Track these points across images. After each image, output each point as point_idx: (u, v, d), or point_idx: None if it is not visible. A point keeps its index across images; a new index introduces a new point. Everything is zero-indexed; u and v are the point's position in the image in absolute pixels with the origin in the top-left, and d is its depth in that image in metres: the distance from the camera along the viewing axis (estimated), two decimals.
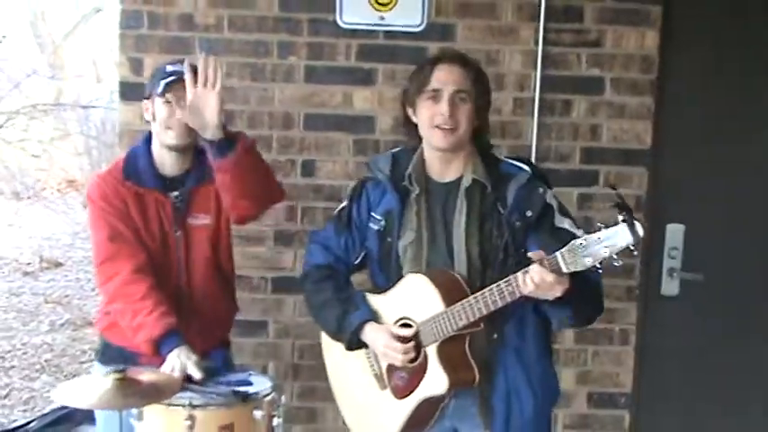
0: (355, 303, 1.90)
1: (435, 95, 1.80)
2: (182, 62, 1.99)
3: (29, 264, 6.61)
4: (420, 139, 1.88)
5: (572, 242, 1.55)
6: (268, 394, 1.81)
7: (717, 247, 2.79)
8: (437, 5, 2.64)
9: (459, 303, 1.71)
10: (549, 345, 1.94)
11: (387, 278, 1.90)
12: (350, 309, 1.89)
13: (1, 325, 5.13)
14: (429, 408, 1.84)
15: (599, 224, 1.54)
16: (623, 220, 1.49)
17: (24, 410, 3.80)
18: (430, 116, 1.81)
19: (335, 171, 2.70)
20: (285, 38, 2.64)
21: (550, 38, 2.66)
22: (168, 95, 1.98)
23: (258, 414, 1.76)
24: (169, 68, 2.01)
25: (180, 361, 1.85)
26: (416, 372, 1.81)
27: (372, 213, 1.93)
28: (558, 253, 1.56)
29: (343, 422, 2.80)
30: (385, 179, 1.90)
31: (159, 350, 1.90)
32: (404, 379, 1.85)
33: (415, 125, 1.87)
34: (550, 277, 1.58)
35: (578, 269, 1.55)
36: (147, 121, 2.08)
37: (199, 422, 1.69)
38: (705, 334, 2.84)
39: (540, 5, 2.63)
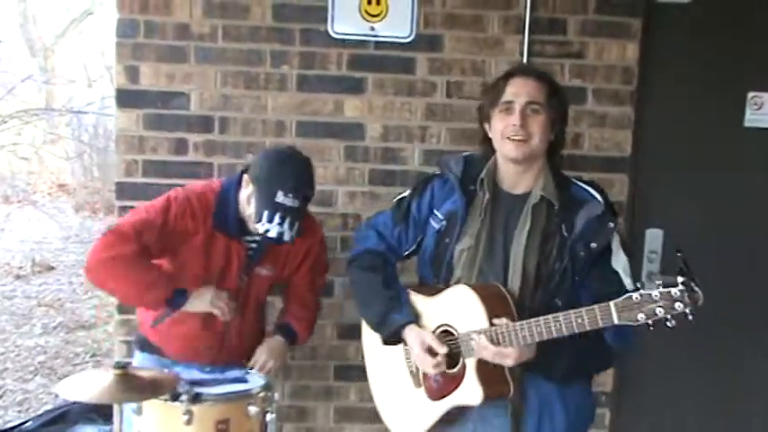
0: (400, 303, 1.90)
1: (508, 108, 1.80)
2: (294, 187, 2.03)
3: (21, 267, 6.62)
4: (494, 152, 1.88)
5: (628, 295, 1.54)
6: (262, 391, 1.89)
7: (694, 250, 2.84)
8: (425, 17, 2.71)
9: (504, 325, 1.70)
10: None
11: (435, 275, 1.89)
12: (395, 307, 1.89)
13: None
14: (459, 412, 1.86)
15: (658, 281, 1.54)
16: (683, 283, 1.50)
17: (19, 411, 3.83)
18: (502, 128, 1.81)
19: (326, 176, 2.76)
20: (278, 47, 2.70)
21: (535, 49, 2.73)
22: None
23: (252, 410, 1.84)
24: (279, 198, 2.00)
25: (213, 296, 2.02)
26: (453, 379, 1.82)
27: (435, 211, 1.92)
28: (612, 303, 1.56)
29: (334, 421, 2.90)
30: (455, 179, 1.88)
31: (174, 304, 2.02)
32: (439, 383, 1.86)
33: (491, 140, 1.87)
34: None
35: (629, 323, 1.55)
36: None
37: (196, 417, 1.76)
38: (684, 335, 2.91)
39: (524, 18, 2.71)
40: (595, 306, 1.58)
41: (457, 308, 1.80)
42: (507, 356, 1.68)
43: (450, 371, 1.82)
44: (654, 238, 2.88)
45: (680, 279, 1.51)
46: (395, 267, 2.04)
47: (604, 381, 2.91)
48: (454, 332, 1.82)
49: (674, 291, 1.52)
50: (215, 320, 2.13)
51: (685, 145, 2.86)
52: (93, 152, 9.49)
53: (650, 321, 1.53)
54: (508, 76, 1.86)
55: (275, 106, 2.73)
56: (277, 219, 1.99)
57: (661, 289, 1.52)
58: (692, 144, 2.86)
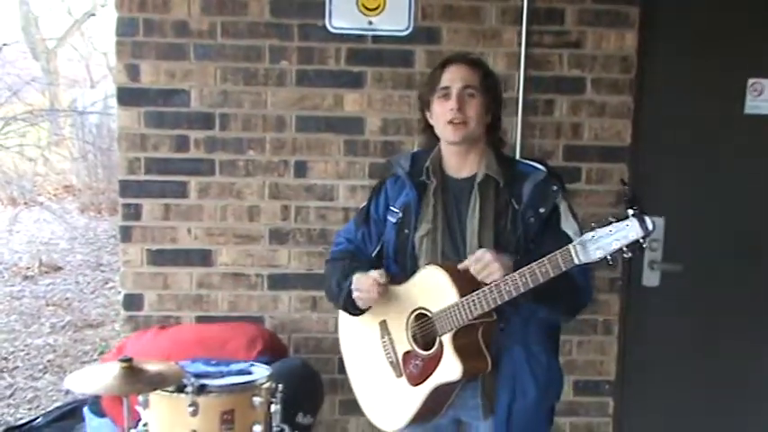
0: (357, 269, 1.95)
1: (446, 93, 1.88)
2: None
3: (29, 268, 6.66)
4: (438, 140, 1.95)
5: (584, 235, 1.61)
6: (266, 382, 1.91)
7: (695, 238, 2.88)
8: (423, 10, 2.72)
9: (473, 294, 1.75)
10: (556, 341, 1.99)
11: (402, 268, 1.95)
12: (351, 273, 1.94)
13: (3, 327, 5.19)
14: (441, 395, 1.89)
15: (610, 218, 1.58)
16: (633, 214, 1.54)
17: (29, 409, 3.87)
18: (442, 113, 1.89)
19: (327, 171, 2.79)
20: (277, 43, 2.72)
21: (533, 40, 2.74)
22: None
23: (257, 400, 1.86)
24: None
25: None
26: (431, 360, 1.86)
27: (391, 207, 1.99)
28: (570, 246, 1.62)
29: (339, 413, 2.92)
30: (404, 174, 1.97)
31: None
32: (418, 367, 1.90)
33: (432, 127, 1.95)
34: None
35: (590, 261, 1.60)
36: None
37: (202, 408, 1.78)
38: (685, 323, 2.94)
39: (522, 9, 2.71)
40: (556, 252, 1.64)
41: (427, 289, 1.86)
42: (494, 271, 1.72)
43: (428, 352, 1.87)
44: (655, 226, 2.88)
45: (630, 211, 1.55)
46: (367, 264, 2.05)
47: (608, 370, 2.93)
48: (428, 313, 1.87)
49: (625, 222, 1.56)
50: None
51: (686, 133, 2.87)
52: (97, 152, 9.53)
53: (609, 256, 1.58)
54: (444, 64, 1.94)
55: (275, 102, 2.75)
56: None
57: (614, 223, 1.57)
58: (693, 132, 2.87)
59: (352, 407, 2.87)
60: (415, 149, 2.07)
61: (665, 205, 2.88)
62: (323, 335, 2.82)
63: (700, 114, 2.86)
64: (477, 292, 1.75)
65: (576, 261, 1.61)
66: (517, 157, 2.74)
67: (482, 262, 1.74)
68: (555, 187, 1.87)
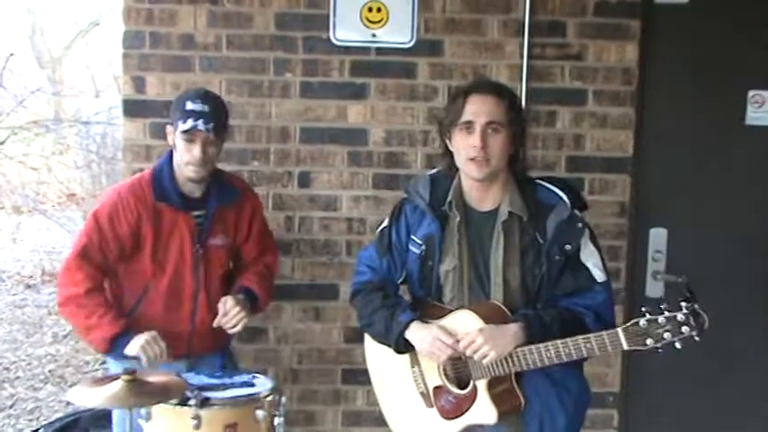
0: (402, 306, 1.94)
1: (468, 127, 1.83)
2: (201, 96, 2.13)
3: (31, 277, 6.67)
4: (458, 168, 1.92)
5: (636, 321, 1.61)
6: (269, 395, 1.91)
7: (698, 249, 2.89)
8: (426, 23, 2.74)
9: (517, 350, 1.75)
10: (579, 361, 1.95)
11: (426, 294, 1.95)
12: (397, 311, 1.92)
13: (5, 337, 5.20)
14: (474, 429, 1.90)
15: (661, 306, 1.61)
16: (687, 308, 1.58)
17: (30, 420, 3.86)
18: (464, 147, 1.84)
19: (331, 182, 2.80)
20: (281, 55, 2.74)
21: (535, 52, 2.76)
22: (186, 135, 2.10)
23: (260, 414, 1.86)
24: (189, 106, 2.10)
25: (147, 343, 2.02)
26: (465, 399, 1.86)
27: (412, 237, 1.96)
28: (620, 329, 1.63)
29: (342, 425, 2.92)
30: (424, 205, 1.93)
31: (114, 347, 2.06)
32: (451, 402, 1.90)
33: (452, 153, 1.91)
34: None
35: (638, 348, 1.63)
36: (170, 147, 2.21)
37: (204, 421, 1.79)
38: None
39: (524, 21, 2.73)
40: (603, 333, 1.65)
41: (462, 332, 1.82)
42: (487, 354, 1.74)
43: (462, 391, 1.87)
44: (658, 237, 2.89)
45: (684, 304, 1.57)
46: (395, 289, 2.07)
47: (612, 382, 2.93)
48: (462, 356, 1.85)
49: (679, 315, 1.58)
50: (180, 301, 2.20)
51: (687, 144, 2.88)
52: (101, 162, 9.55)
53: (659, 345, 1.60)
54: (467, 92, 1.86)
55: (279, 113, 2.76)
56: (190, 121, 2.07)
57: (666, 314, 1.59)
58: (694, 143, 2.88)
59: (354, 418, 2.88)
60: (432, 171, 2.02)
61: (668, 216, 2.89)
62: (326, 346, 2.82)
63: (701, 125, 2.87)
64: (521, 349, 1.75)
65: (626, 346, 1.63)
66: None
67: (473, 347, 1.75)
68: (580, 225, 1.84)
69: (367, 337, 2.13)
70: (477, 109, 1.83)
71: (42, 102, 9.99)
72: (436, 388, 1.92)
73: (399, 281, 2.04)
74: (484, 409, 1.82)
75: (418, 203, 1.95)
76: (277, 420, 1.91)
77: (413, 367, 1.96)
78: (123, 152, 2.80)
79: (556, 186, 1.90)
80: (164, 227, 2.17)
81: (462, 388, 1.88)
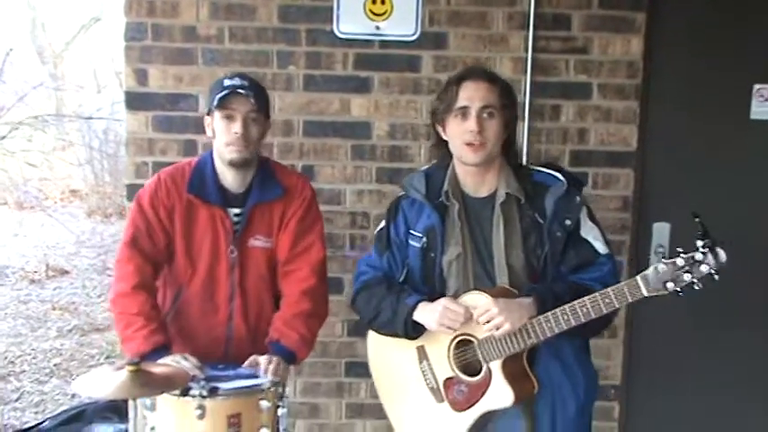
0: (408, 291, 1.92)
1: (463, 112, 1.84)
2: (240, 75, 2.05)
3: (35, 272, 6.68)
4: (451, 156, 1.92)
5: (654, 266, 1.59)
6: (273, 386, 1.91)
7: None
8: (430, 15, 2.73)
9: (528, 322, 1.73)
10: (587, 346, 1.97)
11: (431, 291, 1.91)
12: (402, 295, 1.90)
13: (10, 331, 5.20)
14: (487, 420, 1.87)
15: (678, 249, 1.58)
16: (704, 246, 1.55)
17: (36, 413, 3.87)
18: (459, 133, 1.85)
19: (334, 175, 2.79)
20: (284, 48, 2.73)
21: (539, 45, 2.75)
22: (225, 111, 2.00)
23: (264, 404, 1.86)
24: (227, 82, 2.02)
25: (176, 361, 1.91)
26: (477, 386, 1.84)
27: (411, 231, 1.95)
28: (638, 277, 1.60)
29: (345, 417, 2.92)
30: (421, 198, 1.93)
31: (145, 360, 1.88)
32: (463, 393, 1.87)
33: (446, 143, 1.91)
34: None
35: (659, 294, 1.60)
36: (210, 138, 2.11)
37: (208, 411, 1.79)
38: (691, 327, 2.94)
39: (528, 14, 2.73)
40: (623, 283, 1.63)
41: (474, 314, 1.81)
42: (501, 324, 1.72)
43: (474, 378, 1.85)
44: (661, 231, 2.89)
45: (699, 243, 1.55)
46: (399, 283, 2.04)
47: (614, 374, 2.93)
48: (473, 339, 1.84)
49: (697, 254, 1.56)
50: (215, 306, 2.10)
51: (691, 138, 2.87)
52: (103, 158, 9.56)
53: (679, 288, 1.57)
54: (460, 79, 1.88)
55: (282, 106, 2.76)
56: (228, 91, 1.98)
57: (683, 255, 1.56)
58: (699, 137, 2.87)
59: (358, 410, 2.89)
60: (425, 167, 2.03)
61: (671, 210, 2.88)
62: (330, 339, 2.83)
63: (705, 119, 2.86)
64: (535, 319, 1.73)
65: (645, 293, 1.60)
66: (523, 162, 2.75)
67: (488, 316, 1.73)
68: (578, 198, 1.86)
69: (371, 347, 2.10)
70: (472, 94, 1.84)
71: (44, 97, 10.00)
72: (447, 380, 1.90)
73: (401, 279, 2.01)
74: (500, 392, 1.79)
75: (415, 197, 1.95)
76: (280, 411, 1.91)
77: (421, 363, 1.94)
78: (126, 145, 2.80)
79: (550, 169, 1.92)
80: (195, 223, 2.06)
81: (474, 375, 1.85)
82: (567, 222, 1.82)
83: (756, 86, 2.85)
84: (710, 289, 2.84)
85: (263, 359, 1.97)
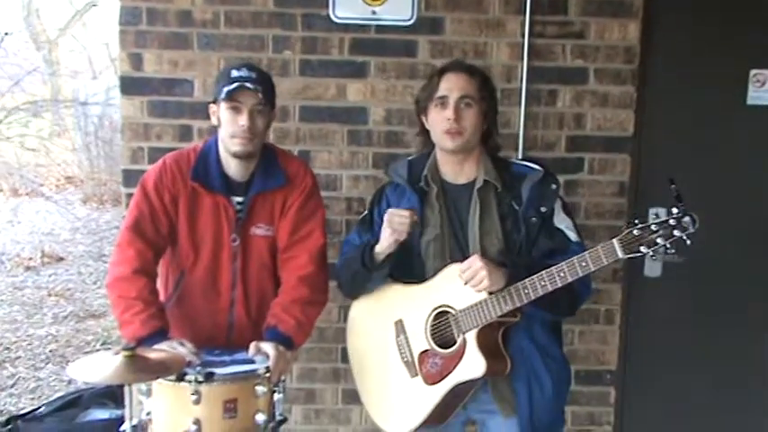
0: (370, 242, 1.98)
1: (443, 102, 1.93)
2: (247, 66, 2.05)
3: (31, 258, 6.67)
4: (434, 144, 2.00)
5: (628, 230, 1.62)
6: (269, 371, 1.91)
7: (698, 229, 2.87)
8: (426, 0, 2.71)
9: (504, 290, 1.77)
10: (559, 333, 2.01)
11: (408, 271, 1.97)
12: (371, 242, 1.97)
13: (6, 318, 5.21)
14: (457, 395, 1.89)
15: (653, 213, 1.62)
16: (678, 211, 1.59)
17: (31, 399, 3.89)
18: (439, 121, 1.93)
19: (330, 160, 2.79)
20: (280, 32, 2.71)
21: (536, 30, 2.74)
22: (232, 103, 2.00)
23: (260, 389, 1.86)
24: (234, 74, 2.01)
25: (173, 347, 1.91)
26: (451, 358, 1.87)
27: None
28: (614, 240, 1.63)
29: (342, 402, 2.93)
30: (403, 182, 2.01)
31: (142, 345, 1.90)
32: (437, 365, 1.90)
33: (428, 132, 1.99)
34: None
35: (633, 256, 1.63)
36: (215, 126, 2.10)
37: (204, 397, 1.79)
38: (686, 313, 2.95)
39: None
40: (598, 246, 1.66)
41: (452, 286, 1.85)
42: (482, 279, 1.75)
43: (448, 350, 1.88)
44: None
45: (674, 209, 1.59)
46: None
47: (610, 359, 2.94)
48: (451, 310, 1.87)
49: (670, 219, 1.60)
50: (218, 292, 2.12)
51: (688, 123, 2.87)
52: (99, 144, 9.53)
53: (651, 251, 1.60)
54: (442, 71, 1.96)
55: (278, 91, 2.65)
56: (236, 84, 1.97)
57: (657, 220, 1.60)
58: (695, 122, 2.87)
59: (355, 396, 2.86)
60: (410, 157, 2.09)
61: (667, 196, 2.85)
62: (326, 324, 2.83)
63: (702, 105, 2.86)
64: (509, 287, 1.76)
65: (620, 254, 1.63)
66: (520, 147, 2.76)
67: (472, 269, 1.77)
68: (554, 186, 1.92)
69: (350, 325, 2.16)
70: (452, 85, 1.93)
71: (39, 83, 9.95)
72: (422, 354, 1.93)
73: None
74: (472, 362, 1.82)
75: (398, 182, 2.03)
76: (277, 397, 1.91)
77: (398, 337, 1.98)
78: (122, 130, 2.78)
79: (529, 161, 2.00)
80: (200, 210, 2.07)
81: (448, 347, 1.88)
82: (543, 209, 1.88)
83: (753, 72, 2.84)
84: (707, 275, 2.87)
85: (266, 346, 1.97)
